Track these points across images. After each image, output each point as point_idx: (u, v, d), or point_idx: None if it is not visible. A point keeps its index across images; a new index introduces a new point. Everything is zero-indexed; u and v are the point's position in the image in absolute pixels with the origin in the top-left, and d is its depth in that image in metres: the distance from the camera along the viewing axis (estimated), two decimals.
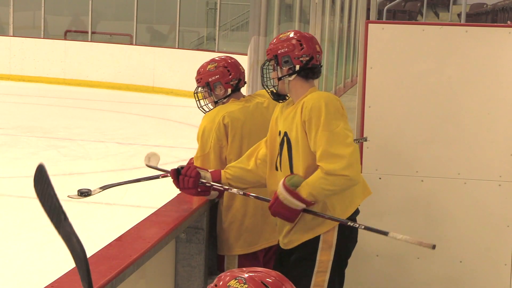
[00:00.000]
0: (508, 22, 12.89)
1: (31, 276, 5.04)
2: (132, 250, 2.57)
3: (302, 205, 2.90)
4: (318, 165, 2.90)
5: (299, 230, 3.06)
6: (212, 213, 3.47)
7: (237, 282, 1.67)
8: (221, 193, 3.31)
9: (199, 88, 3.60)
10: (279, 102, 3.16)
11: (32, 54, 16.42)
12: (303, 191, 2.90)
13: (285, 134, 3.04)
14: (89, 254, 2.49)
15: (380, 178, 4.12)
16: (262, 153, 3.20)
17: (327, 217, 2.97)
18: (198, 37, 17.46)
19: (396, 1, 14.35)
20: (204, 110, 3.61)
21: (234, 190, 3.13)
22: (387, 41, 4.06)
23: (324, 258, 3.03)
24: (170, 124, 12.30)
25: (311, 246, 3.04)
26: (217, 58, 3.64)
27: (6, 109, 12.99)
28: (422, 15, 15.87)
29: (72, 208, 7.39)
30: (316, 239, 3.04)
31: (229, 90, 3.53)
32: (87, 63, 16.21)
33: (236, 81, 3.54)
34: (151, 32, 17.33)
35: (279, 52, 3.04)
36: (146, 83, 15.90)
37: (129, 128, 11.46)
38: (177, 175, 3.16)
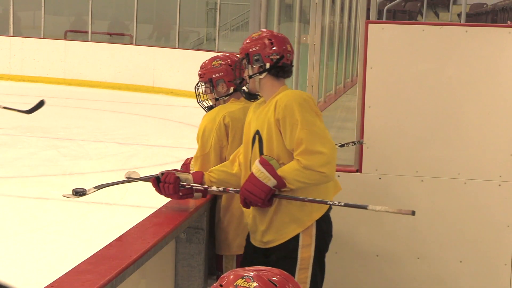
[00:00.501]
0: (508, 22, 12.89)
1: (31, 276, 5.04)
2: (132, 250, 2.57)
3: (273, 181, 2.90)
4: (296, 158, 2.92)
5: (278, 229, 3.06)
6: (212, 213, 3.48)
7: (244, 281, 1.68)
8: (204, 193, 3.29)
9: (202, 84, 3.61)
10: (251, 101, 3.21)
11: (32, 54, 16.41)
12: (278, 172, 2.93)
13: (257, 132, 3.06)
14: (89, 254, 2.50)
15: (380, 178, 4.12)
16: (242, 157, 3.22)
17: (307, 200, 2.99)
18: (198, 37, 17.46)
19: (396, 1, 14.33)
20: (203, 105, 3.62)
21: (214, 188, 3.14)
22: (387, 41, 4.06)
23: (305, 255, 3.07)
24: (170, 124, 12.30)
25: (291, 244, 3.06)
26: (221, 55, 3.65)
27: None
28: (422, 15, 15.86)
29: (72, 208, 7.42)
30: (296, 237, 3.06)
31: (231, 89, 3.54)
32: (87, 63, 16.20)
33: (239, 81, 3.54)
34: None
35: (250, 50, 3.10)
36: (146, 83, 15.89)
37: (129, 128, 11.45)
38: (158, 183, 3.17)
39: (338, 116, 7.92)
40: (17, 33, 17.11)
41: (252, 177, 2.93)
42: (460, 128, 4.04)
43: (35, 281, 4.73)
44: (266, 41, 3.09)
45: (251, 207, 3.08)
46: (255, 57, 3.08)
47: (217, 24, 15.98)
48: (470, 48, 4.01)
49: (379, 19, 11.53)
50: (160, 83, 15.73)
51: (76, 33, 17.28)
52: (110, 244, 2.63)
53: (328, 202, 3.03)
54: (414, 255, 4.14)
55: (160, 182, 3.15)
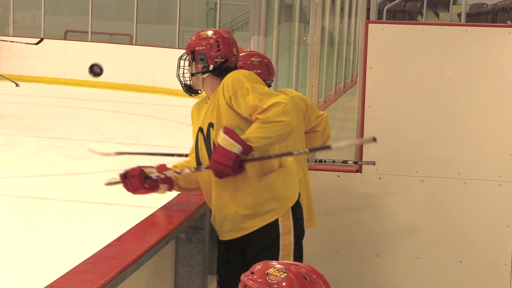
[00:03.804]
0: (508, 22, 12.89)
1: (31, 276, 5.04)
2: (132, 250, 2.57)
3: (239, 147, 2.89)
4: (255, 117, 2.92)
5: (254, 215, 3.06)
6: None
7: (276, 270, 1.76)
8: (170, 184, 3.27)
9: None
10: (191, 96, 3.22)
11: (32, 54, 16.41)
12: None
13: (210, 125, 3.05)
14: (89, 254, 2.50)
15: (380, 178, 4.12)
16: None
17: (273, 156, 3.01)
18: None
19: (396, 1, 14.32)
20: None
21: (186, 170, 3.12)
22: (387, 41, 4.07)
23: (286, 242, 3.09)
24: (170, 124, 12.29)
25: (272, 232, 3.07)
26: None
27: (6, 109, 12.99)
28: (422, 15, 15.85)
29: (72, 208, 7.38)
30: (276, 225, 3.07)
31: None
32: (87, 63, 16.17)
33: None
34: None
35: (196, 48, 3.11)
36: (146, 83, 15.89)
37: (129, 128, 11.45)
38: (125, 179, 3.18)
39: (338, 116, 7.93)
40: (17, 33, 17.10)
41: (218, 147, 2.94)
42: (460, 128, 4.04)
43: (35, 281, 4.72)
44: (213, 42, 3.09)
45: (223, 201, 3.09)
46: (200, 57, 3.10)
47: (217, 24, 15.97)
48: (470, 48, 4.01)
49: (379, 19, 11.52)
50: (160, 83, 15.73)
51: (76, 33, 17.27)
52: (110, 244, 2.63)
53: (294, 153, 3.07)
54: (414, 255, 4.14)
55: (127, 178, 3.17)
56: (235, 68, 3.16)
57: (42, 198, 7.14)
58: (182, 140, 10.19)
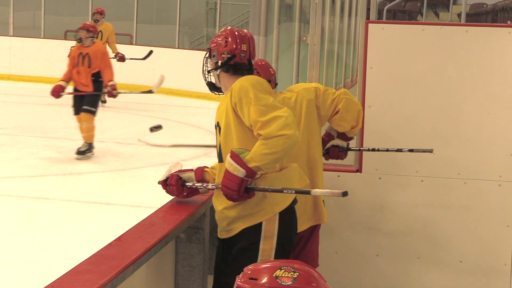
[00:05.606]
0: (508, 22, 12.90)
1: (31, 276, 5.03)
2: (132, 250, 2.57)
3: (242, 171, 2.90)
4: (257, 134, 2.94)
5: (240, 217, 3.08)
6: (212, 213, 3.47)
7: (284, 271, 1.70)
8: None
9: None
10: (215, 94, 3.31)
11: (32, 54, 16.39)
12: (246, 160, 2.93)
13: (218, 124, 3.14)
14: (89, 254, 2.50)
15: (380, 178, 4.12)
16: None
17: (270, 190, 2.97)
18: (198, 37, 17.45)
19: (396, 1, 14.34)
20: None
21: (210, 186, 3.17)
22: (387, 41, 4.07)
23: (267, 247, 3.07)
24: (170, 124, 12.28)
25: (253, 235, 3.07)
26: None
27: (6, 109, 12.98)
28: (422, 15, 15.86)
29: (72, 208, 7.36)
30: (258, 228, 3.06)
31: None
32: None
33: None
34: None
35: (211, 46, 3.23)
36: (146, 83, 15.87)
37: (129, 128, 11.44)
38: (166, 185, 3.29)
39: None
40: (17, 33, 17.10)
41: (225, 172, 2.97)
42: (460, 128, 4.05)
43: (35, 281, 4.72)
44: (221, 39, 3.18)
45: (216, 201, 3.14)
46: (213, 53, 3.20)
47: (217, 24, 15.97)
48: (470, 48, 4.01)
49: (379, 19, 11.53)
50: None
51: (76, 33, 17.25)
52: (110, 244, 2.64)
53: (284, 191, 2.98)
54: (414, 255, 4.14)
55: (167, 185, 3.27)
56: (249, 64, 3.20)
57: (42, 198, 7.14)
58: (182, 140, 10.20)
